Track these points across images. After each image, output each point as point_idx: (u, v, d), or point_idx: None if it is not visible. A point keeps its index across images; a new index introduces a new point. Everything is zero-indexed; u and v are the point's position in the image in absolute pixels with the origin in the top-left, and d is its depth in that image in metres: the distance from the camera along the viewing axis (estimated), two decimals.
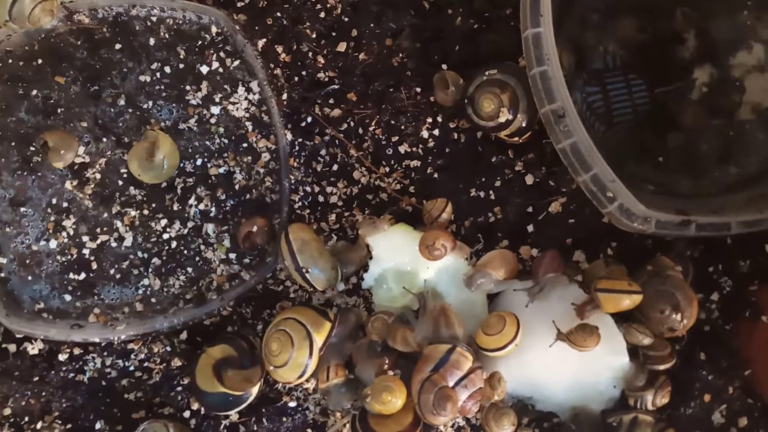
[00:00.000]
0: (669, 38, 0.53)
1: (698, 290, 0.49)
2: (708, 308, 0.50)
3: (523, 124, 0.50)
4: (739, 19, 0.53)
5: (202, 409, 0.51)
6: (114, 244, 0.52)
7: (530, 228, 0.52)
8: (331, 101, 0.54)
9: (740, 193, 0.48)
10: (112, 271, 0.52)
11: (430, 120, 0.53)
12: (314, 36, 0.54)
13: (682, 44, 0.53)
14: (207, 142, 0.53)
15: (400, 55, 0.54)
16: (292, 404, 0.51)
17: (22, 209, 0.52)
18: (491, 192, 0.52)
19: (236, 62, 0.53)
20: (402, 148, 0.53)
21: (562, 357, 0.47)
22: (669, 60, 0.53)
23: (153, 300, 0.52)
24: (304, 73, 0.54)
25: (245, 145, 0.53)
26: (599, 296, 0.46)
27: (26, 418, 0.52)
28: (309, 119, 0.54)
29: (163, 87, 0.52)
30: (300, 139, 0.53)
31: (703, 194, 0.50)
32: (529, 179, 0.52)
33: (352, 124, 0.54)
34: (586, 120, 0.52)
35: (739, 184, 0.49)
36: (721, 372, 0.48)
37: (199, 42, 0.53)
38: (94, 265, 0.52)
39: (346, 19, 0.54)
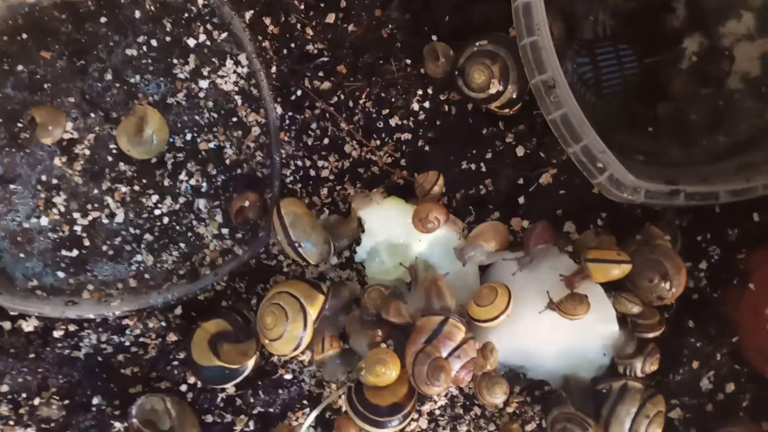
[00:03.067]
0: (659, 7, 0.53)
1: (687, 259, 0.49)
2: (696, 276, 0.50)
3: (514, 96, 0.50)
4: None
5: (199, 382, 0.51)
6: (105, 221, 0.52)
7: (521, 200, 0.52)
8: (321, 74, 0.53)
9: (729, 162, 0.48)
10: (104, 248, 0.52)
11: (420, 92, 0.53)
12: (302, 7, 0.53)
13: (671, 13, 0.52)
14: (196, 117, 0.52)
15: (390, 26, 0.53)
16: (288, 376, 0.52)
17: (12, 186, 0.52)
18: (482, 164, 0.52)
19: (224, 35, 0.52)
20: (393, 121, 0.53)
21: (553, 326, 0.48)
22: (659, 29, 0.53)
23: (146, 276, 0.52)
24: (292, 45, 0.53)
25: (235, 119, 0.52)
26: (589, 266, 0.47)
27: (23, 395, 0.52)
28: (299, 92, 0.53)
29: (150, 61, 0.52)
30: (290, 113, 0.53)
31: (692, 163, 0.50)
32: (520, 151, 0.52)
33: (342, 97, 0.53)
34: (576, 90, 0.52)
35: (728, 152, 0.50)
36: (709, 339, 0.49)
37: (186, 14, 0.52)
38: (87, 242, 0.52)
39: None
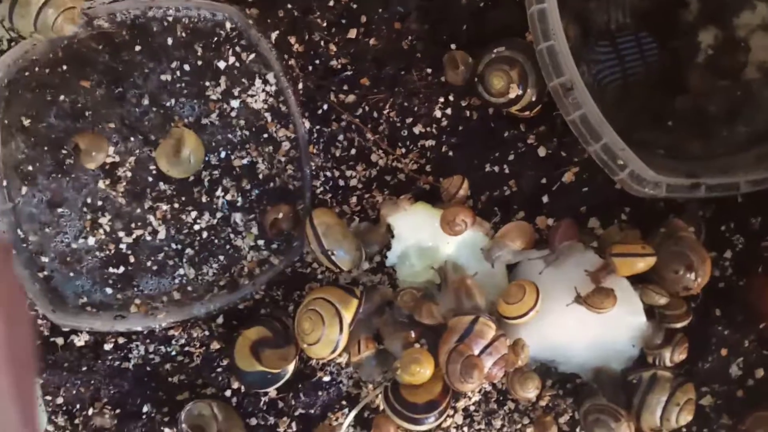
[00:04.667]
0: (673, 3, 0.54)
1: (711, 249, 0.50)
2: (722, 266, 0.51)
3: (533, 99, 0.51)
4: None
5: (243, 387, 0.54)
6: (149, 238, 0.55)
7: (545, 199, 0.54)
8: (345, 87, 0.56)
9: (748, 152, 0.49)
10: (149, 264, 0.55)
11: (442, 100, 0.55)
12: (325, 25, 0.56)
13: (685, 8, 0.53)
14: (229, 135, 0.55)
15: (409, 37, 0.55)
16: (327, 378, 0.54)
17: (59, 210, 0.55)
18: (505, 166, 0.54)
19: (252, 56, 0.55)
20: (416, 129, 0.55)
21: (582, 320, 0.49)
22: (674, 24, 0.54)
23: (189, 288, 0.55)
24: (317, 61, 0.56)
25: (266, 135, 0.55)
26: (614, 261, 0.48)
27: (77, 406, 0.55)
28: (325, 106, 0.55)
29: (183, 84, 0.55)
30: (318, 127, 0.55)
31: (712, 155, 0.51)
32: (542, 151, 0.53)
33: (366, 108, 0.55)
34: (594, 90, 0.54)
35: (747, 143, 0.50)
36: (737, 326, 0.50)
37: (215, 38, 0.55)
38: (132, 259, 0.55)
39: (355, 6, 0.56)
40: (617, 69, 0.54)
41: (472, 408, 0.54)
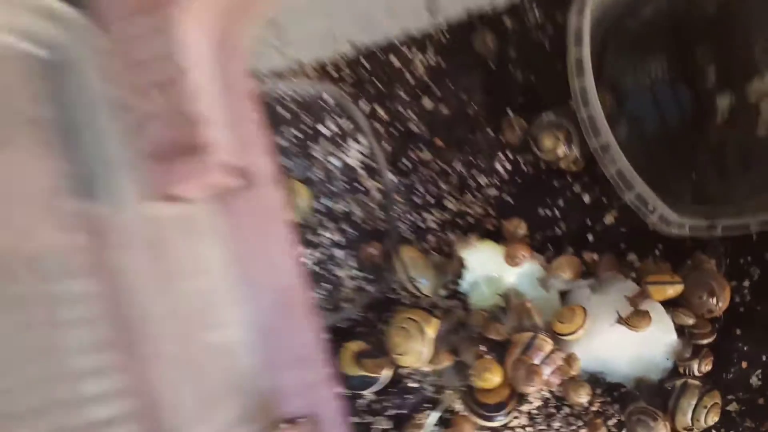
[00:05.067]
0: (693, 73, 0.65)
1: (731, 278, 0.61)
2: (741, 293, 0.61)
3: (578, 155, 0.63)
4: (753, 52, 0.64)
5: (345, 390, 0.66)
6: None
7: (590, 237, 0.65)
8: (422, 146, 0.68)
9: (758, 198, 0.60)
10: None
11: (501, 156, 0.67)
12: (404, 96, 0.69)
13: (704, 77, 0.65)
14: (332, 187, 0.68)
15: (474, 106, 0.68)
16: (413, 384, 0.66)
17: None
18: (556, 210, 0.66)
19: (348, 123, 0.69)
20: (481, 180, 0.67)
21: (623, 338, 0.60)
22: (695, 91, 0.65)
23: None
24: (400, 126, 0.69)
25: (360, 186, 0.68)
26: (649, 288, 0.59)
27: None
28: (407, 162, 0.69)
29: (296, 147, 0.69)
30: (401, 179, 0.68)
31: (728, 200, 0.61)
32: (586, 198, 0.65)
33: (440, 163, 0.68)
34: (629, 145, 0.65)
35: (757, 189, 0.61)
36: (755, 343, 0.60)
37: (319, 110, 0.69)
38: None
39: (429, 81, 0.69)
40: (649, 130, 0.66)
41: (534, 412, 0.65)
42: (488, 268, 0.64)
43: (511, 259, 0.62)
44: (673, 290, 0.58)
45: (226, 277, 0.27)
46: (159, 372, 0.23)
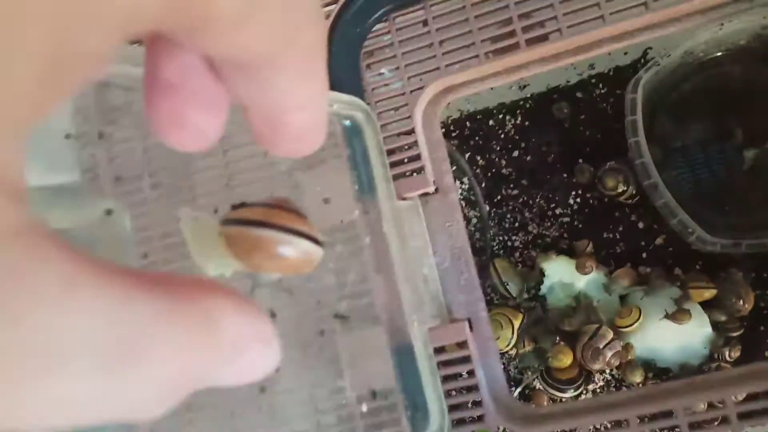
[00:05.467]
0: (724, 132, 0.85)
1: (756, 288, 0.78)
2: (765, 299, 0.79)
3: (634, 192, 0.83)
4: None
5: None
6: None
7: (644, 255, 0.84)
8: (512, 185, 0.90)
9: None
10: None
11: (573, 193, 0.88)
12: (497, 148, 0.91)
13: (733, 136, 0.84)
14: None
15: (552, 155, 0.89)
16: (502, 364, 0.85)
17: None
18: (617, 234, 0.85)
19: (453, 167, 0.91)
20: (557, 211, 0.88)
21: (670, 331, 0.78)
22: (726, 146, 0.85)
23: None
24: (493, 170, 0.91)
25: (464, 216, 0.90)
26: (690, 291, 0.77)
27: None
28: (498, 197, 0.90)
29: None
30: (494, 209, 0.90)
31: (751, 227, 0.80)
32: (640, 224, 0.84)
33: (525, 198, 0.89)
34: (673, 186, 0.85)
35: None
36: None
37: None
38: None
39: (517, 137, 0.91)
40: (689, 173, 0.85)
41: (599, 390, 0.83)
42: (563, 276, 0.84)
43: (582, 269, 0.82)
44: (708, 294, 0.76)
45: (426, 240, 0.50)
46: (401, 286, 0.45)
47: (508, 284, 0.84)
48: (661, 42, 0.82)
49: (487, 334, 0.48)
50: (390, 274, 0.44)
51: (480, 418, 0.46)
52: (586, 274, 0.82)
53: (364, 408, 0.40)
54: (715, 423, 0.44)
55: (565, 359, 0.80)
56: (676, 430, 0.45)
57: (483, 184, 0.91)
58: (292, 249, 0.18)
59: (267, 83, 0.15)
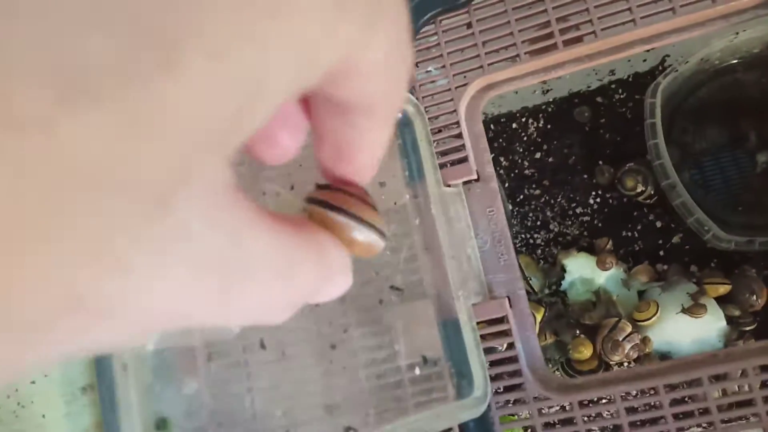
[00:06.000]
0: (738, 136, 0.89)
1: None
2: None
3: (652, 192, 0.87)
4: None
5: None
6: None
7: (661, 252, 0.88)
8: (534, 186, 0.94)
9: None
10: None
11: (593, 193, 0.92)
12: (521, 150, 0.96)
13: (747, 140, 0.88)
14: None
15: (573, 157, 0.93)
16: None
17: None
18: (635, 232, 0.89)
19: None
20: (578, 210, 0.92)
21: (686, 325, 0.81)
22: (740, 150, 0.89)
23: None
24: (516, 171, 0.95)
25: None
26: (705, 287, 0.81)
27: None
28: (521, 196, 0.94)
29: None
30: (517, 208, 0.94)
31: (765, 224, 0.84)
32: (658, 224, 0.88)
33: (547, 197, 0.93)
34: (691, 186, 0.89)
35: None
36: None
37: None
38: None
39: (539, 140, 0.95)
40: (705, 175, 0.89)
41: None
42: (583, 272, 0.88)
43: (602, 264, 0.86)
44: (723, 289, 0.80)
45: (469, 224, 0.54)
46: (447, 263, 0.49)
47: (531, 279, 0.87)
48: (679, 49, 0.87)
49: (526, 311, 0.52)
50: (437, 253, 0.48)
51: (519, 386, 0.50)
52: (606, 270, 0.86)
53: (417, 372, 0.44)
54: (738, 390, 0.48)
55: (585, 351, 0.83)
56: (700, 396, 0.49)
57: (506, 184, 0.95)
58: (363, 237, 0.22)
59: (355, 124, 0.17)
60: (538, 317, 0.86)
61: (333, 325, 0.40)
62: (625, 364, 0.87)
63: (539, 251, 0.92)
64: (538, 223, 0.93)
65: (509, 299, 0.53)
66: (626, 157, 0.90)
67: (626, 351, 0.81)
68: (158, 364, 0.25)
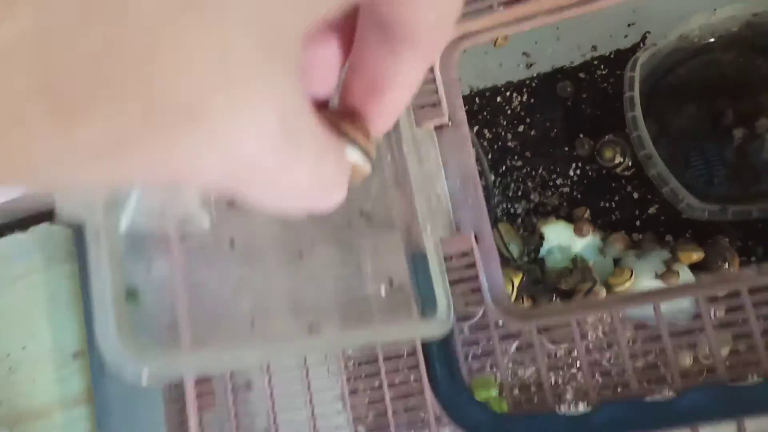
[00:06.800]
0: (716, 113, 0.91)
1: (741, 254, 0.84)
2: (747, 263, 0.84)
3: (629, 164, 0.89)
4: (759, 100, 0.90)
5: None
6: None
7: (637, 223, 0.90)
8: (516, 157, 0.96)
9: (758, 195, 0.84)
10: None
11: (573, 165, 0.94)
12: (504, 123, 0.98)
13: (725, 116, 0.91)
14: None
15: (555, 130, 0.96)
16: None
17: None
18: (612, 203, 0.91)
19: None
20: (558, 181, 0.94)
21: None
22: (717, 126, 0.91)
23: None
24: (500, 143, 0.97)
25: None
26: (679, 254, 0.83)
27: None
28: (504, 167, 0.96)
29: None
30: (499, 179, 0.96)
31: (738, 197, 0.86)
32: (635, 195, 0.90)
33: (528, 169, 0.96)
34: (667, 160, 0.91)
35: (761, 192, 0.85)
36: None
37: None
38: None
39: (523, 113, 0.98)
40: (682, 149, 0.92)
41: (590, 346, 0.88)
42: (561, 239, 0.90)
43: (579, 232, 0.88)
44: (696, 256, 0.82)
45: (440, 165, 0.56)
46: (416, 198, 0.51)
47: (509, 246, 0.89)
48: (659, 26, 0.89)
49: (491, 247, 0.54)
50: (407, 189, 0.51)
51: (482, 315, 0.52)
52: (583, 237, 0.88)
53: (383, 292, 0.46)
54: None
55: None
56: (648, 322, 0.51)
57: (489, 156, 0.97)
58: (354, 158, 0.23)
59: (397, 53, 0.17)
60: (516, 281, 0.88)
61: (301, 237, 0.41)
62: (600, 329, 0.89)
63: (519, 221, 0.94)
64: (519, 193, 0.95)
65: (475, 236, 0.55)
66: (606, 130, 0.92)
67: (599, 315, 0.83)
68: (131, 243, 0.27)
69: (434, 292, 0.48)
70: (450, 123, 0.57)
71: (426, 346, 0.51)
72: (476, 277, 0.52)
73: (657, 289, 0.54)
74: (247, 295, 0.36)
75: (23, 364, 0.98)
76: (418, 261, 0.50)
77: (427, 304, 0.48)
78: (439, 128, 0.57)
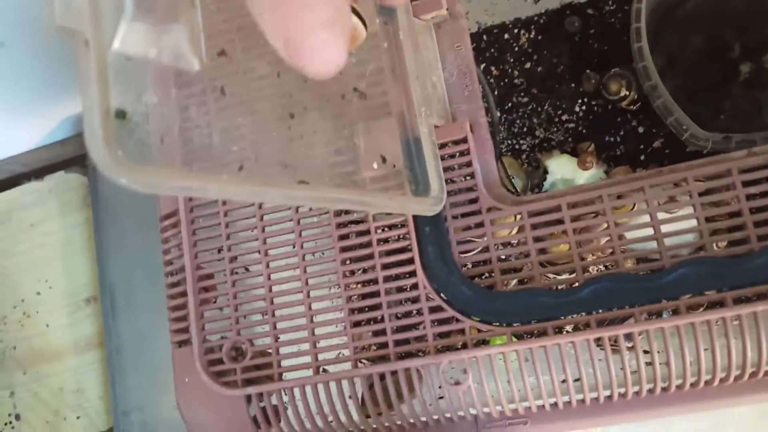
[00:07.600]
0: (723, 46, 0.90)
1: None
2: (753, 197, 0.84)
3: (635, 97, 0.89)
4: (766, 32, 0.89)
5: None
6: None
7: (642, 157, 0.90)
8: (522, 94, 0.97)
9: (765, 127, 0.83)
10: None
11: (579, 100, 0.94)
12: (511, 60, 0.98)
13: (731, 50, 0.90)
14: None
15: (562, 66, 0.96)
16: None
17: None
18: (618, 137, 0.91)
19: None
20: (564, 117, 0.94)
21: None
22: (724, 60, 0.91)
23: None
24: (506, 80, 0.98)
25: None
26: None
27: None
28: (509, 104, 0.97)
29: None
30: (505, 116, 0.96)
31: (744, 131, 0.85)
32: (640, 129, 0.90)
33: (534, 105, 0.96)
34: (674, 92, 0.90)
35: (766, 125, 0.84)
36: None
37: None
38: None
39: (530, 50, 0.97)
40: (689, 83, 0.91)
41: None
42: (565, 172, 0.90)
43: (583, 164, 0.88)
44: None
45: (437, 56, 0.57)
46: (410, 85, 0.52)
47: (513, 179, 0.90)
48: None
49: (486, 137, 0.55)
50: (403, 74, 0.51)
51: (475, 201, 0.53)
52: (586, 169, 0.88)
53: (375, 166, 0.47)
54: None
55: (563, 246, 0.86)
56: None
57: (495, 92, 0.97)
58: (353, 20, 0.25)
59: None
60: None
61: (292, 98, 0.42)
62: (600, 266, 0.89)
63: (524, 156, 0.95)
64: (525, 129, 0.95)
65: (471, 125, 0.56)
66: (612, 64, 0.92)
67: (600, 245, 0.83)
68: (122, 65, 0.28)
69: (427, 174, 0.49)
70: (449, 15, 0.57)
71: (418, 231, 0.52)
72: (469, 164, 0.53)
73: (647, 173, 0.54)
74: (238, 141, 0.37)
75: (37, 309, 1.01)
76: (411, 146, 0.51)
77: (419, 186, 0.49)
78: (437, 23, 0.58)
